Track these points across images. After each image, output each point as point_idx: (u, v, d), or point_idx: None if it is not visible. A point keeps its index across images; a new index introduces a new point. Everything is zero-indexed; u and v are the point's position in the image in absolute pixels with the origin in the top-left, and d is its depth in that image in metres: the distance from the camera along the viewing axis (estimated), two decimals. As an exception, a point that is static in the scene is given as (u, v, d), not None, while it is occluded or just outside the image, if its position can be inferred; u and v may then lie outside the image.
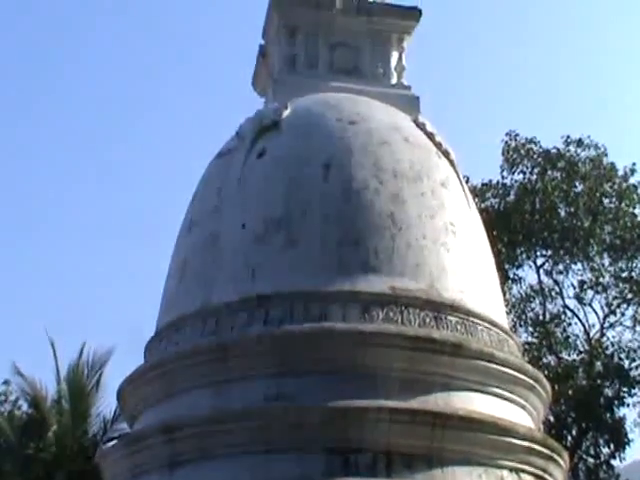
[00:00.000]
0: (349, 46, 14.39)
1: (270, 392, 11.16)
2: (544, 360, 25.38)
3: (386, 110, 13.55)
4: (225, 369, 11.51)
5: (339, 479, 10.64)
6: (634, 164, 26.79)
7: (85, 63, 47.82)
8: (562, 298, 26.77)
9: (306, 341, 11.33)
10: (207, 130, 41.04)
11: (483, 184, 26.81)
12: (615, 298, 26.33)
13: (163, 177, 44.53)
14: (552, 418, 23.74)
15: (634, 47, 44.43)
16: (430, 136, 13.48)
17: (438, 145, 13.44)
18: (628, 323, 26.43)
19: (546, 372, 21.72)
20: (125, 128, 47.28)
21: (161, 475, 11.39)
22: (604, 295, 26.32)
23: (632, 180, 26.64)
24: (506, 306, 18.43)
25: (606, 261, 26.33)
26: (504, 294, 18.80)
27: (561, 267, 26.61)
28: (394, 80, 14.44)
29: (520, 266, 26.81)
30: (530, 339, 26.12)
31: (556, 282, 26.81)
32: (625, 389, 25.03)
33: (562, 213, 26.40)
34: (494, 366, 11.82)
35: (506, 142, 27.13)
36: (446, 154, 13.44)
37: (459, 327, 11.88)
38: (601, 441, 24.90)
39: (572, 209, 26.18)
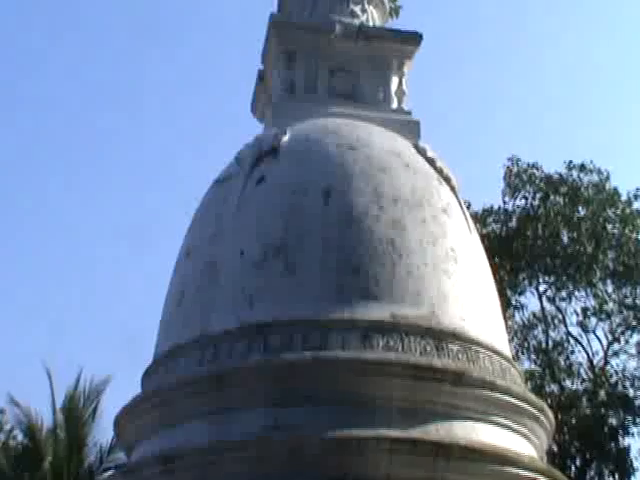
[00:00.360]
0: (349, 71, 14.33)
1: (269, 422, 11.04)
2: (547, 388, 25.23)
3: (386, 135, 13.48)
4: (223, 398, 11.39)
5: (339, 510, 10.46)
6: (638, 189, 26.76)
7: (82, 103, 47.69)
8: (565, 325, 26.66)
9: (306, 370, 11.21)
10: (205, 155, 41.03)
11: (485, 210, 26.75)
12: (619, 325, 26.20)
13: (160, 204, 44.34)
14: (556, 448, 23.52)
15: (637, 72, 44.49)
16: (431, 162, 13.40)
17: (439, 171, 13.36)
18: (632, 351, 26.32)
19: (549, 401, 21.56)
20: (120, 145, 47.12)
21: (158, 506, 11.24)
22: (608, 322, 26.20)
23: (636, 205, 26.61)
24: (508, 333, 18.23)
25: (610, 288, 26.22)
26: (506, 321, 18.60)
27: (564, 294, 26.51)
28: (394, 105, 14.37)
29: (522, 293, 26.71)
30: (533, 367, 25.99)
31: (559, 309, 26.71)
32: (630, 418, 24.88)
33: (565, 239, 26.31)
34: (496, 395, 11.69)
35: (508, 167, 27.10)
36: (447, 180, 13.36)
37: (461, 355, 11.75)
38: (606, 471, 24.70)
39: (575, 235, 26.09)
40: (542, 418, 12.37)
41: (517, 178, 26.83)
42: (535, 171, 26.82)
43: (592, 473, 24.96)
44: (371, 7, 15.05)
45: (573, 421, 24.13)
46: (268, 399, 11.18)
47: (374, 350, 11.40)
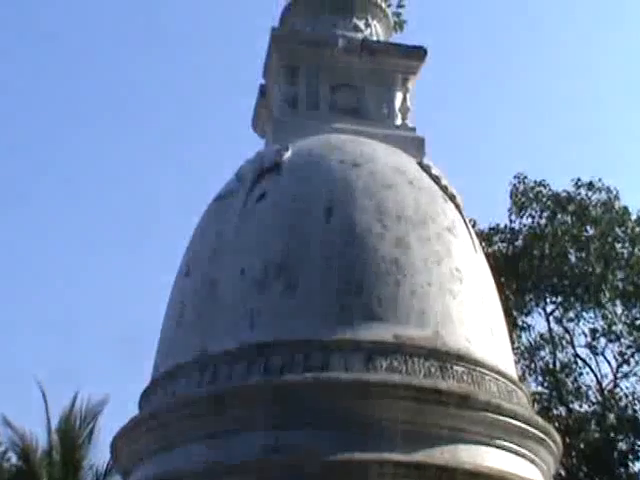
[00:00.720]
0: (352, 86, 14.18)
1: (269, 444, 10.84)
2: (554, 411, 24.99)
3: (390, 152, 13.31)
4: (223, 420, 11.20)
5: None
6: (648, 208, 26.52)
7: (85, 134, 47.64)
8: (573, 347, 26.42)
9: (307, 392, 11.01)
10: (205, 172, 41.03)
11: (490, 228, 26.60)
12: (629, 347, 25.96)
13: (161, 224, 44.19)
14: (563, 472, 23.27)
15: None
16: (435, 179, 13.25)
17: (444, 189, 13.20)
18: (642, 373, 26.03)
19: (557, 424, 21.32)
20: (120, 154, 47.09)
21: (156, 531, 11.07)
22: (617, 344, 25.96)
23: (645, 224, 26.35)
24: (515, 355, 18.03)
25: (619, 308, 25.99)
26: (512, 342, 18.41)
27: (572, 314, 26.28)
28: (398, 121, 14.22)
29: (529, 313, 26.50)
30: (540, 389, 25.77)
31: (567, 330, 26.47)
32: (640, 442, 24.57)
33: (573, 258, 26.11)
34: (502, 418, 11.48)
35: (514, 185, 26.96)
36: (452, 198, 13.20)
37: (465, 377, 11.55)
38: (615, 497, 24.38)
39: (583, 254, 25.88)
40: (549, 442, 12.16)
41: (524, 196, 26.69)
42: (542, 189, 26.68)
43: (601, 498, 24.69)
44: (375, 21, 14.95)
45: (581, 445, 23.89)
46: (268, 421, 11.00)
47: (377, 372, 11.22)
